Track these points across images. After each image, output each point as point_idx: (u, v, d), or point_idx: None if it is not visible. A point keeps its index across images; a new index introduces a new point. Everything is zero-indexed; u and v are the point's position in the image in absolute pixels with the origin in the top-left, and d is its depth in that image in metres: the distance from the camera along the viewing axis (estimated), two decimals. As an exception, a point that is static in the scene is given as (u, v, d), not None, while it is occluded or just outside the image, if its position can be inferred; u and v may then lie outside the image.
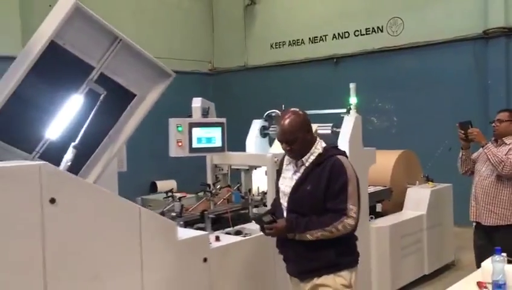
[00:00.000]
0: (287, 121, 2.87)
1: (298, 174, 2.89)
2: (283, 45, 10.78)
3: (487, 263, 2.70)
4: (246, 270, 3.56)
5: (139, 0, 10.63)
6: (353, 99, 4.85)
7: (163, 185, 10.01)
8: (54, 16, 3.20)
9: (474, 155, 4.50)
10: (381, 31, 9.24)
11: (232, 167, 4.48)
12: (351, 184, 2.76)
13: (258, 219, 2.92)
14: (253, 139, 5.39)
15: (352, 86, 4.88)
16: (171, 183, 9.98)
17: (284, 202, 2.95)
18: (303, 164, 2.88)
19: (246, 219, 4.17)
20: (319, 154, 2.85)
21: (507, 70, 7.75)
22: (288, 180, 2.96)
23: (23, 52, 3.25)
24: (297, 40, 10.50)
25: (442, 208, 5.88)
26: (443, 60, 8.46)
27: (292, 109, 2.95)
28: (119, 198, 2.83)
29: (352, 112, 4.81)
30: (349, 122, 4.71)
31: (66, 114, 3.50)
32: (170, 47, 10.29)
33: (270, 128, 5.47)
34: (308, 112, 5.43)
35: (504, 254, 2.59)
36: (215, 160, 4.56)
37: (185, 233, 3.23)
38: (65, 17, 3.15)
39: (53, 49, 3.23)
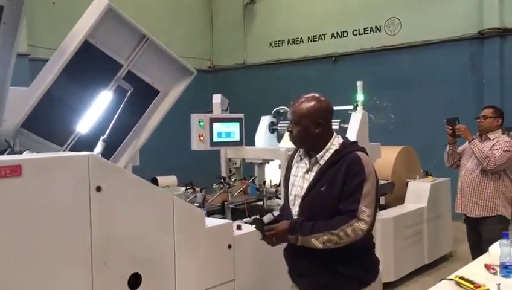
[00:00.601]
0: (301, 100, 2.55)
1: (312, 174, 2.53)
2: (282, 43, 11.00)
3: (495, 247, 2.94)
4: (265, 256, 3.76)
5: (141, -3, 10.79)
6: (360, 97, 5.08)
7: (163, 180, 10.19)
8: (88, 16, 3.40)
9: (460, 149, 4.76)
10: (379, 30, 9.49)
11: (246, 160, 4.69)
12: (368, 184, 2.38)
13: (257, 220, 2.54)
14: (262, 135, 5.60)
15: (359, 83, 5.13)
16: (172, 179, 10.15)
17: (294, 206, 2.59)
18: (317, 162, 2.52)
19: (261, 210, 4.39)
20: (336, 151, 2.49)
21: (501, 70, 8.04)
22: (299, 180, 2.59)
23: (57, 50, 3.43)
24: (296, 38, 10.72)
25: (441, 201, 6.15)
26: (439, 60, 8.73)
27: (317, 94, 2.58)
28: (155, 187, 3.03)
29: (359, 108, 5.05)
30: (356, 118, 4.96)
31: (95, 109, 3.69)
32: (169, 44, 10.32)
33: (279, 124, 5.69)
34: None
35: (511, 238, 2.83)
36: (229, 154, 4.77)
37: (211, 221, 3.43)
38: (98, 17, 3.34)
39: (86, 48, 3.42)
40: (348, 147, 2.53)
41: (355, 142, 2.69)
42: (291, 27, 10.74)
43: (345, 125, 5.06)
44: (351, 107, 5.14)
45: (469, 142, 4.53)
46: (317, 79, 10.21)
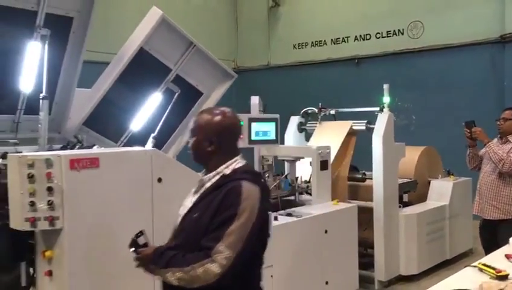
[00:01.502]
0: (204, 112, 2.23)
1: (196, 196, 2.20)
2: (305, 45, 11.28)
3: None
4: (299, 245, 4.10)
5: (168, 1, 11.16)
6: (386, 99, 5.37)
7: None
8: (144, 26, 3.76)
9: (481, 151, 4.71)
10: (402, 33, 9.72)
11: (279, 158, 5.01)
12: (239, 221, 1.95)
13: (133, 242, 2.18)
14: (292, 134, 5.94)
15: (385, 86, 5.41)
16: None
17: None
18: (203, 184, 2.18)
19: (293, 204, 4.72)
20: (223, 176, 2.11)
21: (523, 73, 8.23)
22: (187, 200, 2.26)
23: (116, 57, 3.80)
24: (320, 41, 11.00)
25: (462, 200, 6.38)
26: (461, 63, 8.94)
27: (227, 109, 2.21)
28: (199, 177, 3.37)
29: (385, 110, 5.33)
30: (383, 119, 5.24)
31: (146, 109, 4.06)
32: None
33: (307, 124, 6.01)
34: (342, 109, 6.06)
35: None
36: (263, 151, 5.09)
37: (252, 212, 3.77)
38: (153, 26, 3.70)
39: (140, 54, 3.79)
40: (238, 174, 2.10)
41: (252, 171, 2.20)
42: (314, 30, 11.01)
43: (371, 126, 5.35)
44: (377, 108, 5.42)
45: (485, 145, 4.54)
46: (340, 81, 10.49)
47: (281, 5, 11.72)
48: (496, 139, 4.62)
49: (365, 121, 5.50)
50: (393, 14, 9.77)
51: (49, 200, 2.55)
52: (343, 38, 10.63)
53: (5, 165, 2.91)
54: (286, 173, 4.85)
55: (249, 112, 4.44)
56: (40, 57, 3.26)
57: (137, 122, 4.05)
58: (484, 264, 2.93)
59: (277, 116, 4.48)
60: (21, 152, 3.21)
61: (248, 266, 2.03)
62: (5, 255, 2.80)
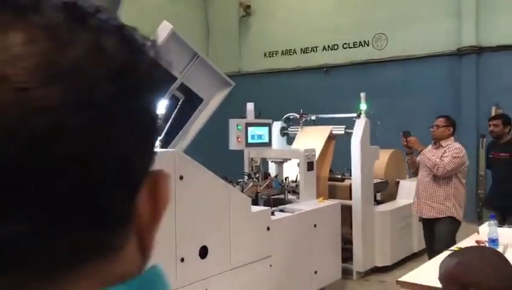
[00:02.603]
0: None
1: None
2: (276, 54, 11.79)
3: (484, 227, 3.77)
4: (293, 238, 4.54)
5: (142, 10, 11.43)
6: (363, 106, 5.90)
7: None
8: (155, 38, 4.10)
9: (418, 158, 5.08)
10: (367, 45, 10.38)
11: (268, 159, 5.44)
12: None
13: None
14: (276, 138, 6.38)
15: (362, 94, 5.95)
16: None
17: None
18: None
19: (282, 202, 5.16)
20: None
21: (477, 83, 9.00)
22: None
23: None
24: (290, 50, 11.53)
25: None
26: (422, 73, 9.65)
27: None
28: (218, 177, 3.76)
29: (362, 116, 5.86)
30: (360, 125, 5.77)
31: (154, 114, 4.38)
32: (169, 53, 11.11)
33: (289, 129, 6.47)
34: (322, 115, 6.56)
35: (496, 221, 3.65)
36: (252, 154, 5.51)
37: (253, 208, 4.18)
38: (164, 39, 4.05)
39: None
40: None
41: None
42: (284, 39, 11.53)
43: (350, 131, 5.87)
44: (355, 114, 5.95)
45: (419, 153, 4.96)
46: (309, 88, 11.03)
47: (252, 14, 12.18)
48: (430, 145, 5.03)
49: (344, 126, 6.01)
50: (359, 27, 10.41)
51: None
52: (312, 47, 11.21)
53: None
54: (276, 174, 5.28)
55: (245, 117, 4.85)
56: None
57: (146, 126, 4.37)
58: (460, 248, 3.46)
59: (270, 121, 4.92)
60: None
61: None
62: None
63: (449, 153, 4.79)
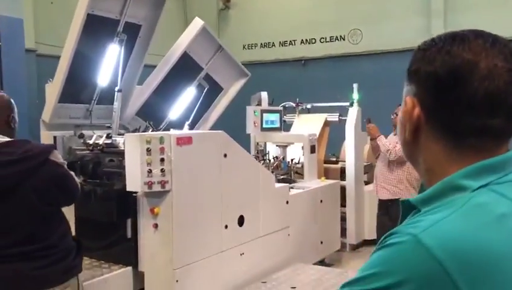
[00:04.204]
0: None
1: None
2: (255, 46, 12.30)
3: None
4: (305, 211, 5.12)
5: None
6: (355, 95, 6.53)
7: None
8: (188, 33, 4.58)
9: (375, 143, 5.40)
10: (343, 39, 11.07)
11: (276, 144, 5.97)
12: None
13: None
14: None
15: (355, 85, 6.59)
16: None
17: None
18: None
19: (288, 181, 5.72)
20: None
21: (445, 76, 9.84)
22: None
23: (164, 59, 4.58)
24: (269, 42, 12.07)
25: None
26: (394, 66, 10.31)
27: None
28: (251, 156, 4.28)
29: (355, 105, 6.50)
30: (353, 113, 6.40)
31: (182, 101, 4.87)
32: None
33: (286, 116, 7.03)
34: (317, 104, 7.16)
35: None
36: (258, 138, 6.04)
37: (276, 184, 4.72)
38: (196, 34, 4.54)
39: (183, 56, 4.61)
40: None
41: None
42: (263, 32, 12.04)
43: (344, 118, 6.50)
44: (348, 104, 6.58)
45: (376, 139, 5.31)
46: (287, 80, 11.62)
47: (231, 8, 12.62)
48: (393, 133, 5.42)
49: (337, 114, 6.63)
50: (336, 22, 11.07)
51: (161, 169, 3.34)
52: (290, 41, 11.79)
53: (86, 144, 3.68)
54: (283, 156, 5.83)
55: (260, 104, 5.38)
56: (117, 58, 3.98)
57: (176, 111, 4.84)
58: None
59: (281, 108, 5.47)
60: (92, 135, 3.96)
61: None
62: (113, 213, 3.54)
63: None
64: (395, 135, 5.28)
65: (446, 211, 0.80)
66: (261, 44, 12.18)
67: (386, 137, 5.43)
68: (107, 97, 4.13)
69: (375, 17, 10.62)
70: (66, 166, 2.40)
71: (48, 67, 6.49)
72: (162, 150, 3.34)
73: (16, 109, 2.47)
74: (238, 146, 4.05)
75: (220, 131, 3.88)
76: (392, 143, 5.17)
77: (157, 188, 3.36)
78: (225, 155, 3.86)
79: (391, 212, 5.16)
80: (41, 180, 2.22)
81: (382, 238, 0.84)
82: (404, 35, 10.24)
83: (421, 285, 0.74)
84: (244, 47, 12.43)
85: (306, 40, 11.55)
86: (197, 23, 4.56)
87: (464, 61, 0.85)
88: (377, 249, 0.84)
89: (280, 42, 11.93)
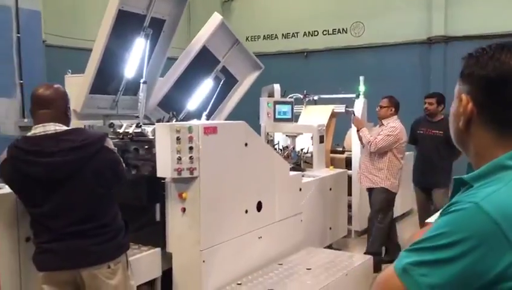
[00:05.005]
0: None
1: None
2: (258, 38, 12.50)
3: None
4: (316, 198, 5.37)
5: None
6: (362, 88, 6.77)
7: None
8: (207, 27, 4.79)
9: (359, 135, 5.57)
10: (346, 32, 11.29)
11: (286, 134, 6.20)
12: None
13: None
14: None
15: (361, 78, 6.83)
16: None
17: None
18: None
19: (298, 170, 5.96)
20: None
21: (445, 69, 10.11)
22: None
23: (184, 52, 4.79)
24: (272, 35, 12.27)
25: (406, 170, 8.00)
26: (395, 59, 10.66)
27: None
28: (268, 146, 4.52)
29: (361, 96, 6.74)
30: (360, 104, 6.65)
31: (200, 92, 5.09)
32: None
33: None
34: (324, 96, 7.39)
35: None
36: (268, 128, 6.26)
37: (290, 172, 4.96)
38: (215, 28, 4.75)
39: (202, 50, 4.82)
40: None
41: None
42: (266, 24, 12.24)
43: (350, 109, 6.74)
44: (354, 95, 6.82)
45: (358, 131, 5.52)
46: (290, 71, 11.83)
47: (234, 0, 12.80)
48: (378, 125, 5.60)
49: (344, 105, 6.87)
50: (338, 15, 11.29)
51: (190, 156, 3.57)
52: (293, 33, 12.00)
53: (116, 133, 3.90)
54: (292, 146, 6.07)
55: (273, 96, 5.61)
56: (142, 51, 4.19)
57: (194, 102, 5.05)
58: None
59: (292, 100, 5.70)
60: (123, 124, 4.18)
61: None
62: (143, 198, 3.77)
63: (384, 131, 5.29)
64: (380, 126, 5.49)
65: (497, 185, 1.04)
66: (264, 36, 12.37)
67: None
68: (131, 88, 4.34)
69: (377, 10, 10.84)
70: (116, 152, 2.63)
71: (56, 58, 6.70)
72: (190, 139, 3.57)
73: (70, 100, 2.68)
74: (257, 136, 4.29)
75: (241, 121, 4.10)
76: (373, 135, 5.36)
77: (186, 174, 3.59)
78: (246, 144, 4.09)
79: (372, 200, 5.47)
80: (99, 165, 2.45)
81: (445, 207, 1.08)
82: (406, 28, 10.49)
83: (480, 241, 0.98)
84: (247, 39, 12.59)
85: (309, 32, 11.76)
86: (216, 18, 4.77)
87: (510, 67, 1.09)
88: (440, 215, 1.08)
89: (283, 34, 12.13)
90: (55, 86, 2.60)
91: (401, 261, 1.06)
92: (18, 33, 5.98)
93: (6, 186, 2.80)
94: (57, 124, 2.44)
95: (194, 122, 3.83)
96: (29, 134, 2.45)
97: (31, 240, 2.52)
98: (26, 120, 6.04)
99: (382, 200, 5.40)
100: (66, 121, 2.53)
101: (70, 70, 4.93)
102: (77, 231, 2.41)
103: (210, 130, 3.68)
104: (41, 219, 2.42)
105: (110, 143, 2.58)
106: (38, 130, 2.42)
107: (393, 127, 5.30)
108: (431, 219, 3.57)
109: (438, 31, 10.14)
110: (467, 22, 9.84)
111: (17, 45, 5.99)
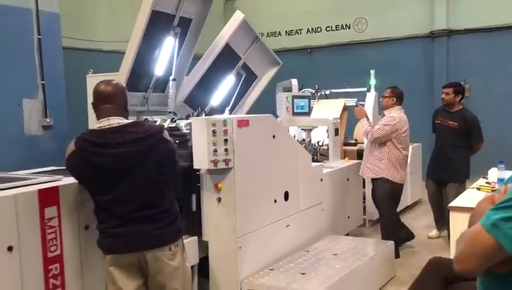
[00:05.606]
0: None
1: None
2: (261, 35, 12.52)
3: (492, 170, 4.90)
4: (335, 188, 5.56)
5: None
6: (372, 81, 6.96)
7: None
8: (230, 25, 4.97)
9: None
10: (349, 28, 11.47)
11: (299, 127, 6.38)
12: None
13: None
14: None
15: (372, 72, 7.01)
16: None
17: None
18: None
19: (316, 161, 6.16)
20: None
21: (447, 62, 10.33)
22: None
23: (208, 50, 4.97)
24: (275, 32, 12.42)
25: (415, 160, 8.23)
26: (398, 53, 10.86)
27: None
28: (291, 137, 4.70)
29: (372, 90, 6.93)
30: (371, 97, 6.84)
31: (223, 88, 5.27)
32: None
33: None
34: (335, 90, 7.58)
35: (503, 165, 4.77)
36: (284, 122, 6.44)
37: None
38: (237, 26, 4.93)
39: (224, 47, 4.99)
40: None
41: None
42: (269, 22, 12.38)
43: (362, 103, 6.93)
44: (365, 89, 7.02)
45: (358, 121, 5.56)
46: (293, 68, 11.98)
47: (236, -1, 12.96)
48: (381, 115, 5.62)
49: (355, 99, 7.06)
50: (341, 11, 11.47)
51: (225, 148, 3.75)
52: (296, 30, 12.18)
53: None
54: (308, 139, 6.26)
55: (291, 90, 5.80)
56: (171, 49, 4.36)
57: (217, 97, 5.23)
58: (480, 186, 4.59)
59: (309, 94, 5.89)
60: (156, 121, 4.35)
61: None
62: (180, 189, 3.94)
63: (382, 121, 5.31)
64: (382, 117, 5.53)
65: None
66: (267, 33, 12.52)
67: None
68: (159, 86, 4.52)
69: (379, 6, 11.03)
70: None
71: (68, 60, 6.83)
72: (225, 132, 3.75)
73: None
74: (283, 128, 4.49)
75: (268, 114, 4.29)
76: (375, 125, 5.37)
77: (221, 165, 3.78)
78: (273, 136, 4.28)
79: (375, 190, 5.48)
80: (159, 154, 2.63)
81: None
82: (408, 23, 10.68)
83: None
84: (250, 36, 12.78)
85: (312, 29, 11.95)
86: (238, 16, 4.95)
87: None
88: None
89: (286, 31, 12.30)
90: (114, 82, 2.77)
91: (490, 218, 1.25)
92: (39, 35, 6.12)
93: (65, 178, 2.98)
94: (119, 117, 2.62)
95: (226, 116, 4.01)
96: (94, 127, 2.63)
97: (96, 226, 2.69)
98: (48, 120, 6.20)
99: (386, 190, 5.38)
100: (126, 115, 2.70)
101: (91, 70, 5.10)
102: (141, 216, 2.59)
103: (243, 123, 3.87)
104: (108, 206, 2.59)
105: (167, 134, 2.76)
106: (103, 123, 2.60)
107: (392, 117, 5.28)
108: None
109: (440, 25, 10.34)
110: (469, 16, 10.05)
111: (38, 46, 6.13)
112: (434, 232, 6.31)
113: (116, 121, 2.60)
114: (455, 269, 1.31)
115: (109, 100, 2.64)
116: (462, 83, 6.74)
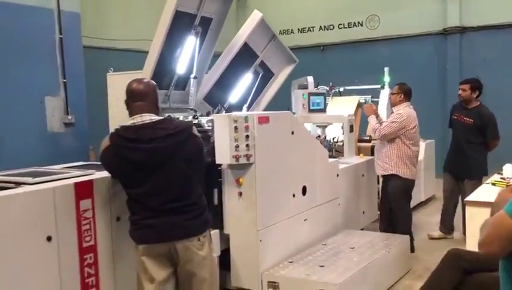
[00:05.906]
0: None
1: None
2: (274, 33, 12.74)
3: (507, 166, 4.98)
4: (351, 184, 5.66)
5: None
6: (386, 78, 7.05)
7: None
8: (248, 24, 5.08)
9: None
10: (361, 25, 11.54)
11: (314, 124, 6.48)
12: None
13: None
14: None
15: (386, 69, 7.11)
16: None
17: None
18: None
19: (332, 157, 6.26)
20: None
21: (460, 59, 10.37)
22: None
23: (226, 49, 5.10)
24: (287, 29, 12.51)
25: (429, 157, 8.30)
26: (411, 50, 10.91)
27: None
28: (309, 133, 4.80)
29: (386, 87, 7.02)
30: (385, 94, 6.93)
31: (241, 86, 5.39)
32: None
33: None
34: (348, 87, 7.68)
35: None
36: (300, 119, 6.53)
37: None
38: (256, 25, 5.04)
39: (243, 46, 5.11)
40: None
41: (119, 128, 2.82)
42: (282, 20, 12.44)
43: (376, 100, 7.02)
44: (379, 86, 7.11)
45: (367, 118, 5.57)
46: (306, 65, 12.05)
47: (249, -4, 13.06)
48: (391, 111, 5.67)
49: (370, 96, 7.16)
50: (354, 8, 11.54)
51: (246, 144, 3.87)
52: (309, 28, 12.26)
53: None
54: (324, 136, 6.36)
55: (307, 88, 5.91)
56: (193, 48, 4.49)
57: (235, 94, 5.35)
58: (495, 181, 4.67)
59: (325, 91, 5.99)
60: (178, 117, 4.48)
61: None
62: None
63: (390, 118, 5.36)
64: (391, 113, 5.55)
65: None
66: (280, 31, 12.58)
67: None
68: (180, 84, 4.65)
69: (392, 3, 11.09)
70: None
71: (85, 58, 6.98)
72: (247, 128, 3.87)
73: None
74: (301, 124, 4.59)
75: (287, 111, 4.41)
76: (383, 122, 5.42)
77: (243, 160, 3.90)
78: (292, 132, 4.40)
79: (387, 187, 5.51)
80: (189, 149, 2.76)
81: None
82: (421, 20, 10.73)
83: None
84: (263, 34, 12.88)
85: (324, 26, 12.02)
86: (256, 15, 5.06)
87: None
88: None
89: (299, 29, 12.39)
90: (146, 80, 2.90)
91: None
92: (60, 34, 6.29)
93: (97, 172, 3.12)
94: (151, 114, 2.75)
95: (247, 112, 4.13)
96: (128, 123, 2.76)
97: (128, 217, 2.83)
98: (70, 117, 6.37)
99: (397, 187, 5.39)
100: (157, 112, 2.83)
101: (112, 69, 5.24)
102: (172, 208, 2.72)
103: (263, 120, 3.99)
104: (140, 198, 2.72)
105: (195, 130, 2.89)
106: (136, 119, 2.73)
107: (399, 113, 5.28)
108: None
109: (453, 22, 10.37)
110: (482, 12, 10.08)
111: (59, 45, 6.30)
112: (437, 232, 6.26)
113: (148, 117, 2.73)
114: (480, 252, 1.42)
115: (141, 98, 2.77)
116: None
